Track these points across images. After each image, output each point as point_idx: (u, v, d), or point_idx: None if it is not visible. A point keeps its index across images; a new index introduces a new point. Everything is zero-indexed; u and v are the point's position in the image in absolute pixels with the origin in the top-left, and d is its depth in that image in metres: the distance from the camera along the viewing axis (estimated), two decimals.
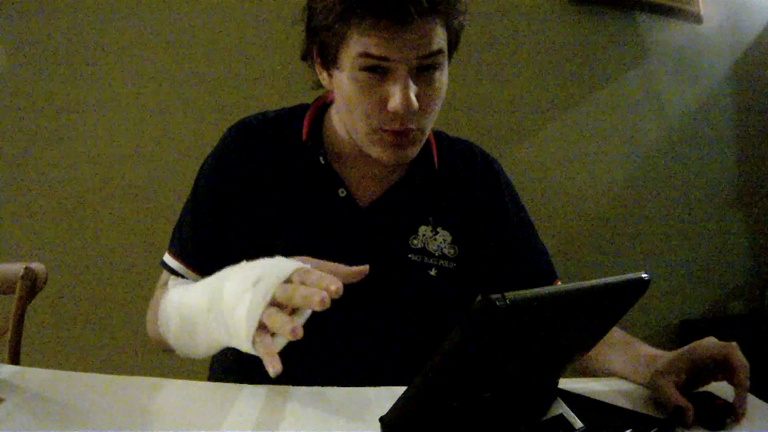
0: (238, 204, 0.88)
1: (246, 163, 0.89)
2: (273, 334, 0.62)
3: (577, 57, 2.12)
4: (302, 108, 0.94)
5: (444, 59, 0.81)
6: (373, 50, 0.75)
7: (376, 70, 0.77)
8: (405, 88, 0.76)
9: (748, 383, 0.68)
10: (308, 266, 0.66)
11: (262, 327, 0.62)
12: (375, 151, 0.83)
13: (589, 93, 2.15)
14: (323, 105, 0.94)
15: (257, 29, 1.79)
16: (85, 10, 1.69)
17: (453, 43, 0.83)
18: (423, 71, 0.78)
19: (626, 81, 2.18)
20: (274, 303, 0.62)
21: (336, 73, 0.81)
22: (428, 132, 0.85)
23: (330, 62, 0.81)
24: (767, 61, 2.36)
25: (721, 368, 0.70)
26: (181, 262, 0.90)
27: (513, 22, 2.04)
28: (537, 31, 2.07)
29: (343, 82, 0.80)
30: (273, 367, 0.58)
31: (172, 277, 0.90)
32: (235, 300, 0.65)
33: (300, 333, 0.57)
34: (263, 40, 1.79)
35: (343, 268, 0.68)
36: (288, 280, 0.63)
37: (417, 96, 0.77)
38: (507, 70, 2.05)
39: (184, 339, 0.78)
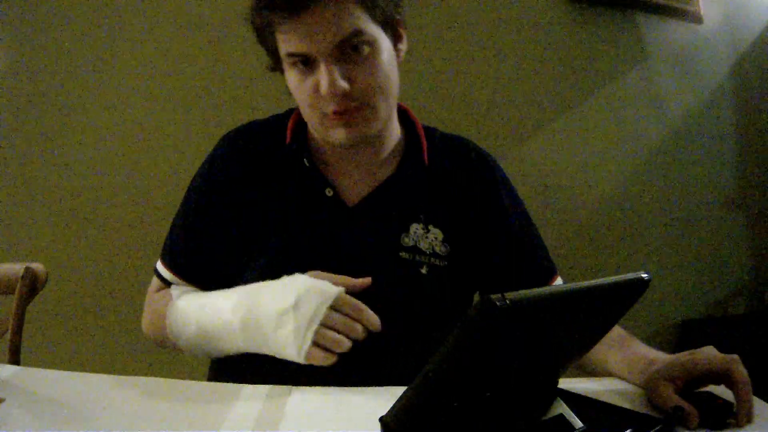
0: (228, 212, 0.90)
1: (235, 172, 0.91)
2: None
3: (577, 57, 2.12)
4: (290, 113, 0.95)
5: (372, 39, 0.81)
6: (292, 48, 0.80)
7: (305, 64, 0.81)
8: (328, 73, 0.78)
9: (750, 397, 0.67)
10: (342, 290, 0.75)
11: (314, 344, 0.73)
12: (332, 136, 0.85)
13: (589, 93, 2.15)
14: None
15: None
16: (85, 11, 1.69)
17: (388, 21, 0.84)
18: (350, 52, 0.80)
19: (626, 81, 2.18)
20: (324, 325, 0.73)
21: (285, 73, 0.86)
22: (383, 108, 0.85)
23: (278, 65, 0.87)
24: (767, 61, 2.36)
25: (722, 380, 0.70)
26: (173, 273, 0.93)
27: (513, 21, 2.04)
28: (537, 31, 2.07)
29: (288, 79, 0.85)
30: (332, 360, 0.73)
31: (174, 285, 0.93)
32: (275, 320, 0.75)
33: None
34: None
35: (349, 280, 0.78)
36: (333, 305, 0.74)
37: (348, 76, 0.80)
38: (507, 70, 2.05)
39: (200, 346, 0.85)
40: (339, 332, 0.73)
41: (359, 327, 0.74)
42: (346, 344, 0.72)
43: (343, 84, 0.79)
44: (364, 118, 0.83)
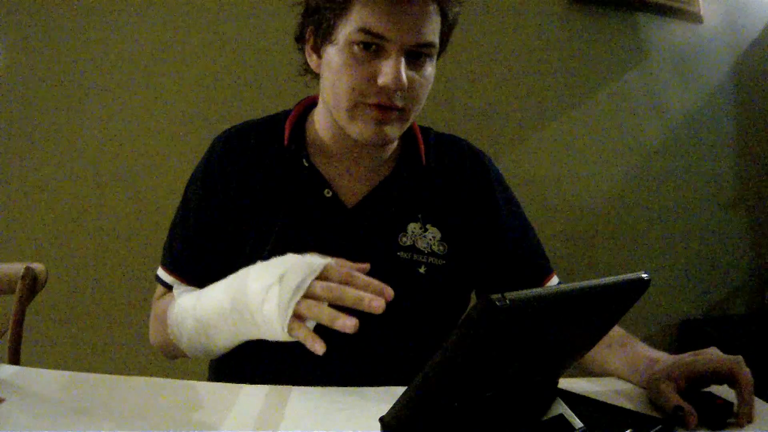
0: (226, 213, 0.89)
1: (232, 172, 0.90)
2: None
3: (577, 57, 2.12)
4: (285, 114, 0.95)
5: (435, 53, 0.84)
6: (373, 27, 0.77)
7: (371, 48, 0.79)
8: (398, 65, 0.78)
9: (752, 398, 0.67)
10: (332, 261, 0.70)
11: (296, 317, 0.66)
12: (355, 128, 0.83)
13: (589, 93, 2.15)
14: (305, 109, 0.95)
15: (261, 34, 1.79)
16: (85, 11, 1.69)
17: (444, 40, 0.86)
18: (415, 57, 0.81)
19: (626, 81, 2.18)
20: (309, 296, 0.66)
21: (329, 49, 0.82)
22: (411, 119, 0.86)
23: (325, 39, 0.83)
24: (767, 61, 2.36)
25: (725, 380, 0.70)
26: (175, 277, 0.92)
27: (513, 22, 2.04)
28: (537, 31, 2.07)
29: (335, 57, 0.81)
30: (320, 346, 0.63)
31: (175, 286, 0.92)
32: (262, 296, 0.68)
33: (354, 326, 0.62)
34: (265, 46, 1.79)
35: (347, 262, 0.72)
36: (319, 277, 0.67)
37: (407, 77, 0.79)
38: (507, 70, 2.05)
39: (200, 341, 0.80)
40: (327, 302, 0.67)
41: (350, 291, 0.65)
42: (328, 312, 0.64)
43: (406, 81, 0.79)
44: (397, 122, 0.83)
